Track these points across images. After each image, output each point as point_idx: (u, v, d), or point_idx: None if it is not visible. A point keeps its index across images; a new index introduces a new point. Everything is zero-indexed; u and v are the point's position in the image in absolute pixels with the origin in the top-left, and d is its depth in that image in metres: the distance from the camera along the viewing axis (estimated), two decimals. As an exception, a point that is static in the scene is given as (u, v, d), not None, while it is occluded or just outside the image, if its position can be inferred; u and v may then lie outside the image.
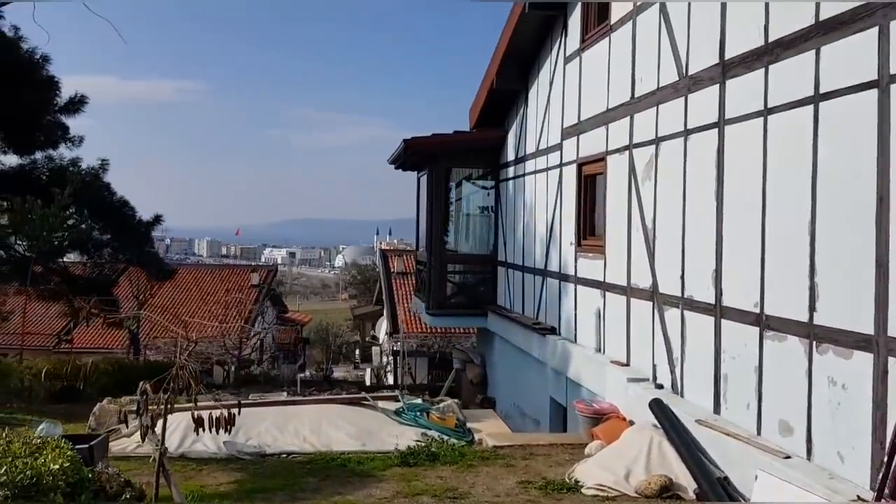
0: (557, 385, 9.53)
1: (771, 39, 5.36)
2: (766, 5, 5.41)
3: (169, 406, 4.49)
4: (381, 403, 8.32)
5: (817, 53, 4.85)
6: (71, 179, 12.83)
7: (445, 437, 7.38)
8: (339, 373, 34.81)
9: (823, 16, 4.81)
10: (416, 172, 15.26)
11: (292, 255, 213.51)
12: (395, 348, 26.10)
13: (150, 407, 4.78)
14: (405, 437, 7.24)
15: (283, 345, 34.76)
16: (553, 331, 9.86)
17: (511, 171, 12.33)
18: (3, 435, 4.04)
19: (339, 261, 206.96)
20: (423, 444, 6.92)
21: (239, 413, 4.46)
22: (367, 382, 35.22)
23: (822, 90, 4.81)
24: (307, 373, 29.58)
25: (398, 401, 8.60)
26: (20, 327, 16.01)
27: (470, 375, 13.67)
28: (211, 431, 4.50)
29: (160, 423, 4.45)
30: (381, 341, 30.47)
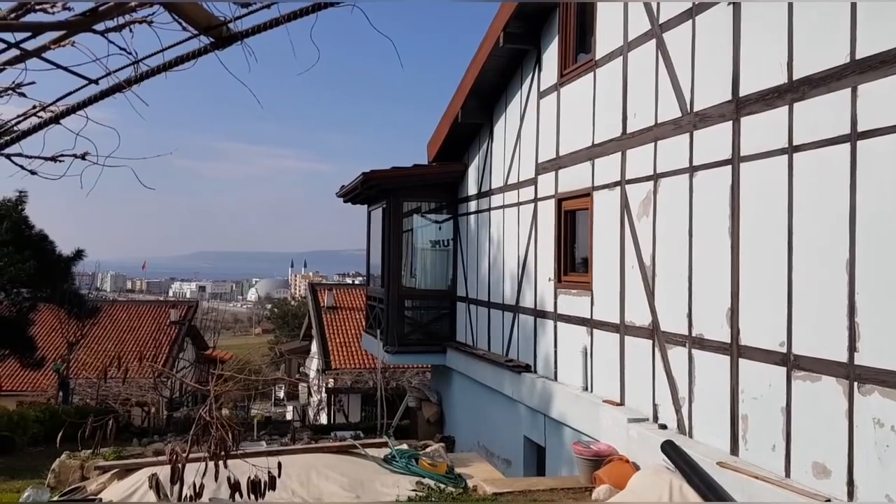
0: (533, 424, 9.21)
1: (796, 77, 5.31)
2: (790, 41, 5.37)
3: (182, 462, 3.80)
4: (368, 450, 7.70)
5: (854, 92, 4.80)
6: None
7: (442, 486, 6.87)
8: (256, 411, 33.26)
9: (861, 54, 4.77)
10: (366, 206, 14.88)
11: (202, 288, 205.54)
12: (328, 385, 25.14)
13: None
14: (400, 486, 6.67)
15: (204, 384, 33.03)
16: (528, 368, 9.57)
17: (473, 205, 12.09)
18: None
19: (251, 294, 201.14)
20: (422, 495, 6.39)
21: (279, 475, 3.82)
22: (292, 420, 33.81)
23: (861, 128, 4.75)
24: (227, 412, 28.12)
25: (379, 446, 8.00)
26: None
27: (426, 414, 13.18)
28: (250, 497, 3.84)
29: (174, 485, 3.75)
30: (311, 378, 29.37)
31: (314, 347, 29.79)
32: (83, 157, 2.06)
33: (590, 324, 8.10)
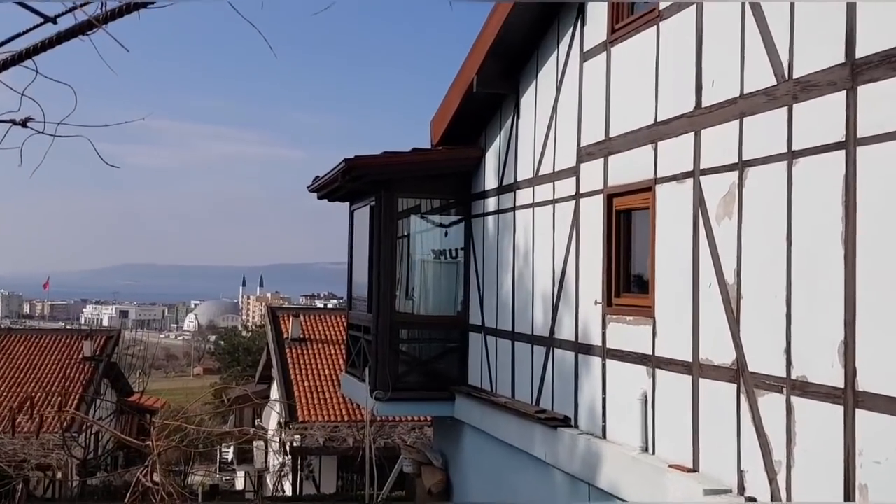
0: (574, 496, 9.20)
1: (933, 32, 5.30)
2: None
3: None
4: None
5: None
6: None
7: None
8: (197, 477, 33.13)
9: None
10: (348, 204, 14.94)
11: (124, 314, 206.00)
12: (292, 443, 25.10)
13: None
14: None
15: (127, 440, 32.90)
16: (567, 421, 9.59)
17: (491, 203, 12.14)
18: None
19: (189, 322, 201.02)
20: None
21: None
22: (245, 490, 33.68)
23: None
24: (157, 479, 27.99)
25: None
26: None
27: (428, 482, 13.17)
28: None
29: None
30: (270, 434, 29.32)
31: (274, 393, 29.74)
32: (24, 123, 2.03)
33: (651, 362, 8.08)
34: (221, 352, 67.97)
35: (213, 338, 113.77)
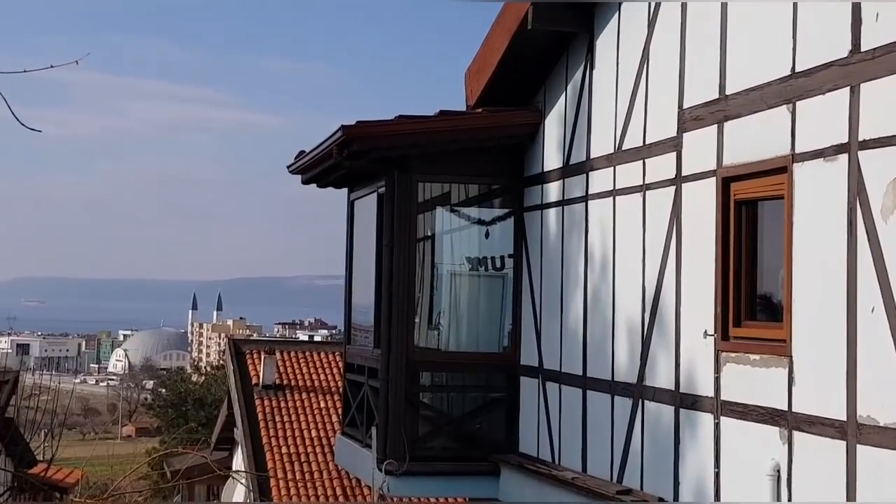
0: None
1: None
2: None
3: None
4: None
5: None
6: None
7: None
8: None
9: None
10: (346, 191, 15.01)
11: (24, 348, 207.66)
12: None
13: None
14: None
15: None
16: (662, 507, 9.61)
17: (553, 190, 12.23)
18: None
19: (116, 360, 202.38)
20: None
21: None
22: None
23: None
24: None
25: None
26: None
27: None
28: None
29: None
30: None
31: (239, 462, 29.83)
32: None
33: (786, 421, 8.07)
34: (163, 404, 68.68)
35: (150, 384, 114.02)
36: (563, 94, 12.07)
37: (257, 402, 28.53)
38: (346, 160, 12.75)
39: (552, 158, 12.24)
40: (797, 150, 8.10)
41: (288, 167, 14.88)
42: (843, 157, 7.58)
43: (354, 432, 14.32)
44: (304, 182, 14.91)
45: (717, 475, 8.90)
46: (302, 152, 14.24)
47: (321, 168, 13.85)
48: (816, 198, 7.89)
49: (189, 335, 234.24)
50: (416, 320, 13.08)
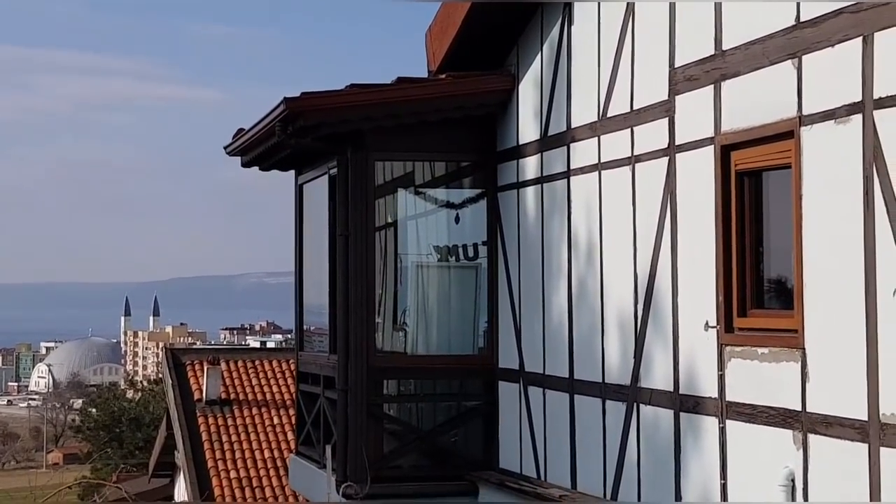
0: None
1: None
2: None
3: None
4: None
5: None
6: None
7: None
8: None
9: None
10: (293, 174, 14.99)
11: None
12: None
13: None
14: None
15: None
16: (664, 524, 9.63)
17: (531, 165, 12.27)
18: None
19: (39, 376, 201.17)
20: None
21: None
22: None
23: None
24: None
25: None
26: None
27: None
28: None
29: None
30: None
31: (181, 490, 29.81)
32: None
33: (800, 422, 8.10)
34: (93, 426, 68.24)
35: (78, 403, 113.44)
36: (539, 55, 12.08)
37: (200, 420, 28.45)
38: (291, 138, 12.72)
39: (528, 129, 12.25)
40: (804, 112, 8.09)
41: (225, 148, 14.84)
42: (857, 118, 7.58)
43: (310, 451, 14.33)
44: (245, 165, 14.89)
45: (723, 486, 8.94)
46: (241, 130, 14.20)
47: (263, 148, 13.81)
48: (828, 165, 7.88)
49: (122, 345, 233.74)
50: (378, 320, 13.10)
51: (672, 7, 9.72)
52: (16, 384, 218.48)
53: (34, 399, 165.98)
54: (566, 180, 11.42)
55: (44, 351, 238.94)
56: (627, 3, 10.37)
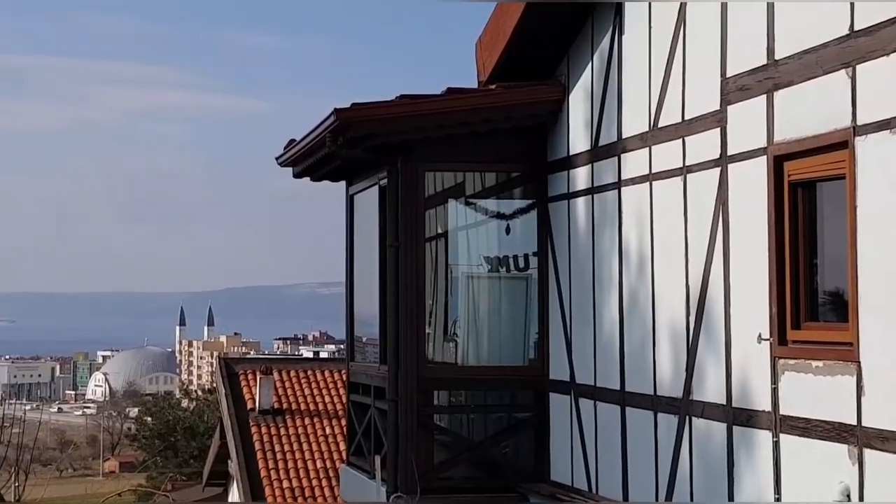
0: None
1: None
2: None
3: None
4: None
5: None
6: None
7: None
8: None
9: None
10: (344, 185, 15.04)
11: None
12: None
13: None
14: None
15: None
16: (717, 538, 9.57)
17: (581, 176, 12.27)
18: None
19: (95, 385, 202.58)
20: None
21: None
22: None
23: None
24: None
25: None
26: None
27: None
28: None
29: None
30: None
31: (235, 499, 29.90)
32: None
33: (856, 437, 8.02)
34: (148, 434, 68.65)
35: (134, 412, 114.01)
36: (590, 65, 12.06)
37: (253, 429, 28.54)
38: (342, 149, 12.78)
39: (579, 140, 12.24)
40: (859, 122, 8.02)
41: (277, 159, 14.91)
42: (914, 129, 7.52)
43: (361, 462, 14.36)
44: (296, 175, 14.95)
45: (777, 501, 8.86)
46: (292, 141, 14.26)
47: (314, 159, 13.89)
48: (883, 176, 7.80)
49: (177, 355, 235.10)
50: (429, 331, 13.11)
51: (724, 16, 9.69)
52: (73, 393, 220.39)
53: (90, 407, 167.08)
54: (617, 191, 11.41)
55: (100, 360, 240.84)
56: (679, 12, 10.34)
